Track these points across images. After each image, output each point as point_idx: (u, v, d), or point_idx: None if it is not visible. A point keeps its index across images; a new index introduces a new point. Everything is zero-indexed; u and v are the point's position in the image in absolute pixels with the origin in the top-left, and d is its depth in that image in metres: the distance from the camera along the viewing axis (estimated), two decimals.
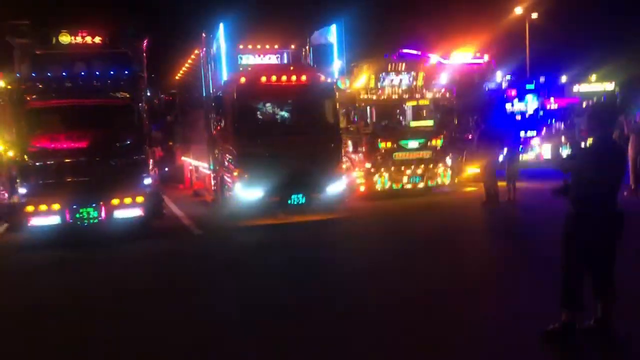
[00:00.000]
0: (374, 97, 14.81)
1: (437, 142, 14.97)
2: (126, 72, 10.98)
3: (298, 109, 12.38)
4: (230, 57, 12.60)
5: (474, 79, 18.88)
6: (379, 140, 14.37)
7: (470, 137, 15.95)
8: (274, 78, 11.83)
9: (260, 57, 13.95)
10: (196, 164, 16.18)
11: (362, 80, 14.78)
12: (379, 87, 14.85)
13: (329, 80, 12.60)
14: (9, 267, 9.17)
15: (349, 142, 14.61)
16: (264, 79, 11.81)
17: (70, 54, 12.11)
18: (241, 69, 13.11)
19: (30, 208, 9.95)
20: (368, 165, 14.27)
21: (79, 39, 12.27)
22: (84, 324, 6.16)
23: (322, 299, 6.61)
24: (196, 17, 13.83)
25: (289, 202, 11.65)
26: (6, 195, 12.11)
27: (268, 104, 12.29)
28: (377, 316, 6.02)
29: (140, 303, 6.81)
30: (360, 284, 7.26)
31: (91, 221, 10.20)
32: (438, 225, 11.10)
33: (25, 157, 10.41)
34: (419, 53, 16.78)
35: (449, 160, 15.47)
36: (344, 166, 12.98)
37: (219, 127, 12.45)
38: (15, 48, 11.90)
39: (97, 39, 12.38)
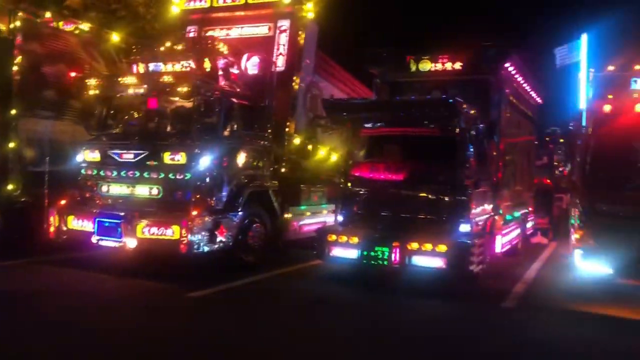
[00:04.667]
0: None
1: None
2: (444, 98, 9.41)
3: None
4: (598, 79, 9.30)
5: None
6: None
7: None
8: None
9: None
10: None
11: None
12: None
13: None
14: (295, 301, 8.71)
15: None
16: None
17: (428, 81, 11.50)
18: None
19: (332, 237, 9.51)
20: None
21: (438, 66, 11.52)
22: None
23: None
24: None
25: None
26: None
27: None
28: None
29: None
30: None
31: (381, 262, 9.01)
32: None
33: (348, 184, 10.15)
34: None
35: None
36: None
37: (565, 172, 9.36)
38: (375, 76, 11.95)
39: (457, 65, 11.33)
